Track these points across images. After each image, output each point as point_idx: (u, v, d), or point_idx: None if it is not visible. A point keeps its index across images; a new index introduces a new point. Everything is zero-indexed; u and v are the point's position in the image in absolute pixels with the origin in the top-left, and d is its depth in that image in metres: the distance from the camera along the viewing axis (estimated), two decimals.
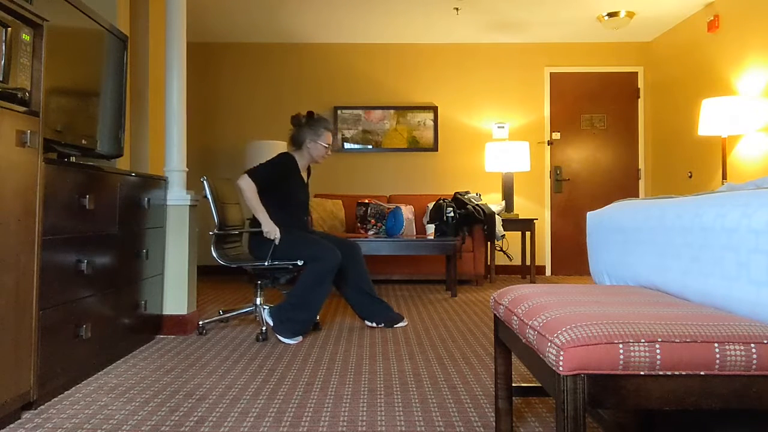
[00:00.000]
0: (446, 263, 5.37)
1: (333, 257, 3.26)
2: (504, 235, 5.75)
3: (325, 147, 3.56)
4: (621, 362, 1.07)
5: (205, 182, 3.44)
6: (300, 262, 3.29)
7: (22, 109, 1.98)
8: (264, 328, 3.24)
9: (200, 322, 3.38)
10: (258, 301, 3.48)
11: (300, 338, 3.20)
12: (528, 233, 5.98)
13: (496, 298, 1.66)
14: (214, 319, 3.48)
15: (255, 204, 3.36)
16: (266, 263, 3.32)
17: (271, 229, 3.34)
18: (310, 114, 3.61)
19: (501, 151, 6.04)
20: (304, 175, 3.65)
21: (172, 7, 3.44)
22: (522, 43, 6.56)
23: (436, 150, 6.54)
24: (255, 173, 3.38)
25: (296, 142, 3.60)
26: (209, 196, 3.44)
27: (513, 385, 1.74)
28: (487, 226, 5.54)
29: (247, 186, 3.34)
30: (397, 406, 2.13)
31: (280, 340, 3.18)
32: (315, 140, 3.54)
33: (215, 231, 3.47)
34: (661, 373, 1.08)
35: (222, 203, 3.56)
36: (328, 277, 3.27)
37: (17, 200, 1.95)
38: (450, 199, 5.63)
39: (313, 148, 3.55)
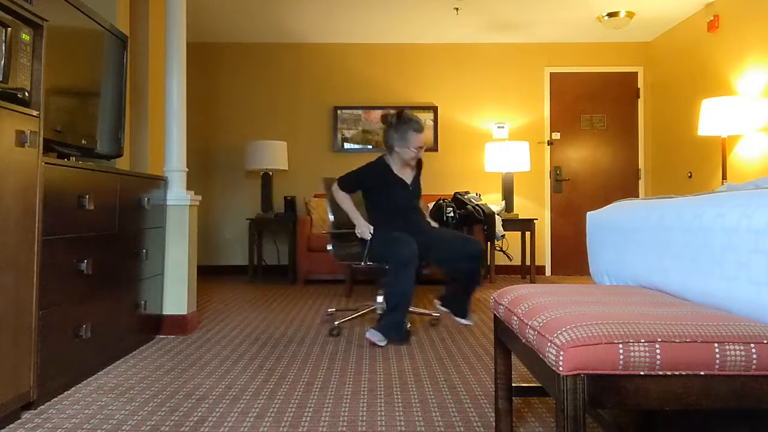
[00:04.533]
0: None
1: (401, 252, 3.14)
2: (504, 235, 5.74)
3: (414, 151, 3.43)
4: (621, 362, 1.07)
5: (323, 184, 3.67)
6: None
7: (22, 109, 1.98)
8: (337, 323, 3.42)
9: (336, 323, 3.43)
10: (379, 299, 3.65)
11: (385, 340, 3.11)
12: (528, 233, 5.98)
13: (496, 298, 1.66)
14: (345, 319, 3.67)
15: (346, 207, 3.47)
16: (362, 263, 3.42)
17: (362, 229, 3.38)
18: (399, 115, 3.47)
19: (501, 151, 6.04)
20: (405, 174, 3.53)
21: (172, 7, 3.44)
22: (522, 43, 6.56)
23: (436, 150, 6.54)
24: (342, 180, 3.50)
25: (387, 145, 3.52)
26: (329, 197, 3.63)
27: (513, 385, 1.74)
28: (487, 226, 5.53)
29: (335, 192, 3.49)
30: (397, 406, 2.13)
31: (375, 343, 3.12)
32: (402, 146, 3.42)
33: (330, 230, 3.75)
34: (661, 373, 1.08)
35: (336, 203, 3.68)
36: (401, 272, 3.13)
37: (17, 200, 1.95)
38: (450, 199, 5.63)
39: (402, 152, 3.44)
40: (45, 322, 2.13)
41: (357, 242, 3.62)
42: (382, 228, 3.41)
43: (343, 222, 3.73)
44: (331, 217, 3.78)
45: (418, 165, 3.63)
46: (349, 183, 3.48)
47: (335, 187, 3.50)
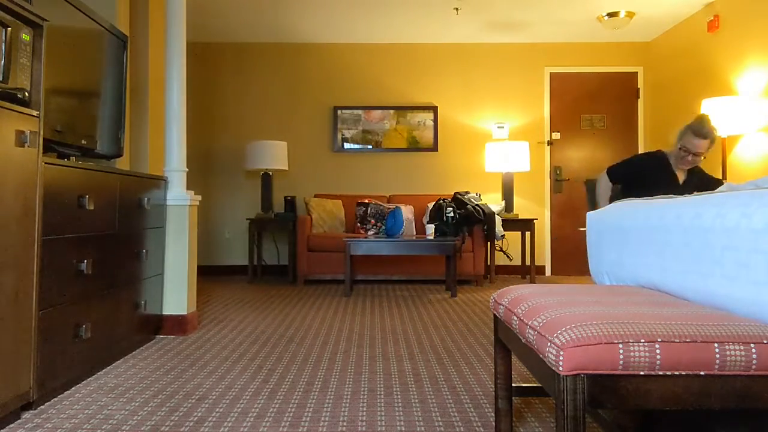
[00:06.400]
0: (446, 263, 5.37)
1: None
2: (504, 235, 5.75)
3: (681, 152, 3.31)
4: (621, 362, 1.07)
5: (587, 185, 3.64)
6: None
7: (22, 109, 1.98)
8: None
9: None
10: None
11: None
12: (528, 233, 5.99)
13: (496, 298, 1.66)
14: None
15: (599, 200, 3.42)
16: None
17: None
18: (698, 118, 3.33)
19: (501, 151, 6.04)
20: (679, 173, 3.41)
21: (172, 7, 3.44)
22: (522, 43, 6.56)
23: (436, 150, 6.54)
24: (612, 169, 3.45)
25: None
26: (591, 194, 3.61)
27: (513, 385, 1.74)
28: (487, 226, 5.54)
29: (600, 181, 3.47)
30: (397, 406, 2.13)
31: None
32: (677, 143, 3.34)
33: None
34: (660, 373, 1.08)
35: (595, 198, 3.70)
36: None
37: (17, 200, 1.95)
38: (450, 199, 5.63)
39: (676, 151, 3.36)
40: (45, 322, 2.13)
41: None
42: None
43: None
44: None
45: (696, 176, 3.42)
46: (618, 172, 3.44)
47: (603, 175, 3.49)
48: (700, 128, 3.26)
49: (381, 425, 1.94)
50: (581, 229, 5.74)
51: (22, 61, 1.99)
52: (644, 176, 3.38)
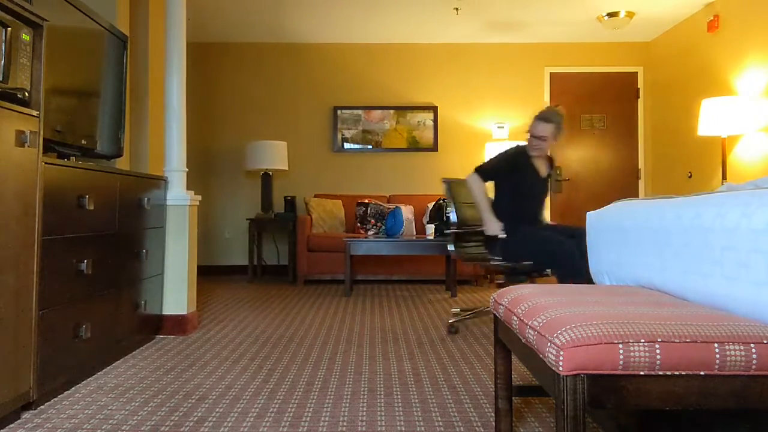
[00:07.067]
0: (446, 263, 5.37)
1: (566, 254, 3.01)
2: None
3: (531, 137, 3.37)
4: (621, 362, 1.07)
5: (446, 184, 3.57)
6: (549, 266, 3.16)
7: (22, 109, 1.98)
8: (453, 320, 3.36)
9: (450, 321, 3.38)
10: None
11: None
12: None
13: (496, 298, 1.66)
14: (459, 318, 3.53)
15: (478, 200, 3.41)
16: (490, 263, 3.33)
17: (491, 228, 3.32)
18: (548, 108, 3.42)
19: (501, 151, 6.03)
20: (540, 166, 3.49)
21: (172, 7, 3.44)
22: (522, 43, 6.56)
23: (436, 150, 6.54)
24: (481, 168, 3.43)
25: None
26: (450, 196, 3.54)
27: (513, 385, 1.74)
28: None
29: (472, 182, 3.42)
30: (397, 406, 2.13)
31: None
32: (529, 131, 3.40)
33: (454, 229, 3.56)
34: (660, 373, 1.08)
35: (461, 203, 3.62)
36: (577, 276, 2.98)
37: (17, 200, 1.95)
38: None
39: (528, 138, 3.42)
40: (45, 322, 2.13)
41: (482, 242, 3.50)
42: (517, 221, 3.34)
43: (464, 219, 3.61)
44: (454, 216, 3.67)
45: (550, 162, 3.54)
46: (488, 171, 3.45)
47: (474, 176, 3.44)
48: (544, 114, 3.36)
49: (381, 425, 1.94)
50: None
51: (22, 61, 1.99)
52: (512, 172, 3.45)
